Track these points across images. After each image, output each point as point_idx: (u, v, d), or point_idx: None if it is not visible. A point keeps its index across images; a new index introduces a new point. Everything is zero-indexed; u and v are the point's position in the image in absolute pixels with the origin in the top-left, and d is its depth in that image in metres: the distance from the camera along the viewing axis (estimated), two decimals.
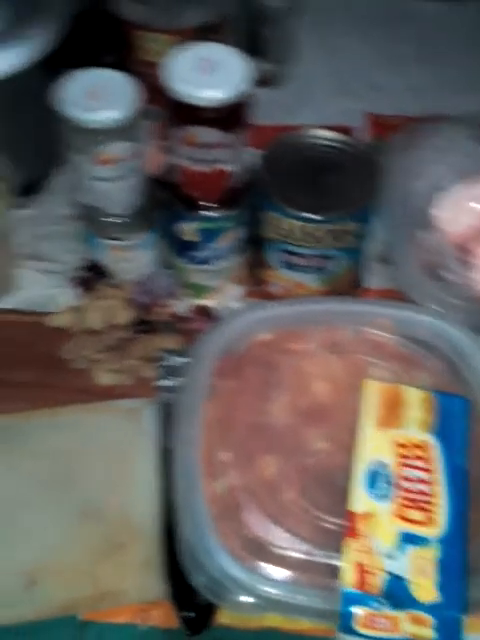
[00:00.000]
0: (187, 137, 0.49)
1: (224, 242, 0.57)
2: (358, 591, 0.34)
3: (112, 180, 0.53)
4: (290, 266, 0.57)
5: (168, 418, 0.52)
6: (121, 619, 0.45)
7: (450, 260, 0.53)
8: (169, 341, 0.57)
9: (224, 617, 0.44)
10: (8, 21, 0.56)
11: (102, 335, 0.58)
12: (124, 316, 0.58)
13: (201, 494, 0.41)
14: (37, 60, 0.57)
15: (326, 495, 0.42)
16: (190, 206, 0.54)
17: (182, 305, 0.60)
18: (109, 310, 0.58)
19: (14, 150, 0.57)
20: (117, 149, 0.51)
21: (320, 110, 0.73)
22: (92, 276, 0.60)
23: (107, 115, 0.49)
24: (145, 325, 0.58)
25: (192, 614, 0.43)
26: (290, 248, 0.56)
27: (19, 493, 0.48)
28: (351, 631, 0.34)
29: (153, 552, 0.46)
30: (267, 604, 0.37)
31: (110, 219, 0.56)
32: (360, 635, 0.34)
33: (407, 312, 0.49)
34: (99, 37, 0.64)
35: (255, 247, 0.59)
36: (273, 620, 0.44)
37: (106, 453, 0.51)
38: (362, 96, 0.75)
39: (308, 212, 0.53)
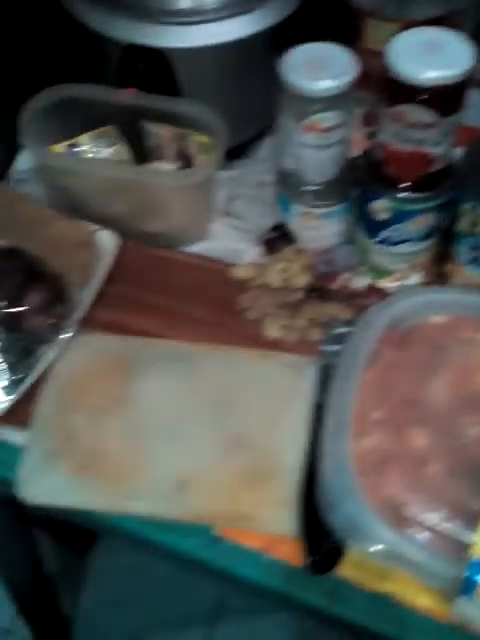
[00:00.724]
0: (398, 115, 0.52)
1: (414, 226, 0.59)
2: None
3: (318, 148, 0.57)
4: (478, 263, 0.58)
5: (327, 379, 0.55)
6: (250, 543, 0.49)
7: None
8: (339, 310, 0.61)
9: (346, 569, 0.47)
10: None
11: (278, 293, 0.62)
12: (301, 280, 0.62)
13: (348, 443, 0.44)
14: (267, 29, 0.62)
15: (470, 478, 0.43)
16: (387, 185, 0.57)
17: (358, 281, 0.63)
18: (288, 272, 0.63)
19: (229, 112, 0.63)
20: (328, 118, 0.55)
21: None
22: (278, 238, 0.65)
23: (325, 85, 0.53)
24: (319, 292, 0.62)
25: (318, 556, 0.46)
26: None
27: (186, 411, 0.54)
28: (471, 598, 0.35)
29: (292, 491, 0.49)
30: (391, 555, 0.39)
31: (308, 187, 0.60)
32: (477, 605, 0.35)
33: None
34: (326, 18, 0.68)
35: (443, 239, 0.61)
36: (391, 586, 0.46)
37: (266, 395, 0.55)
38: None
39: None
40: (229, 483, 0.51)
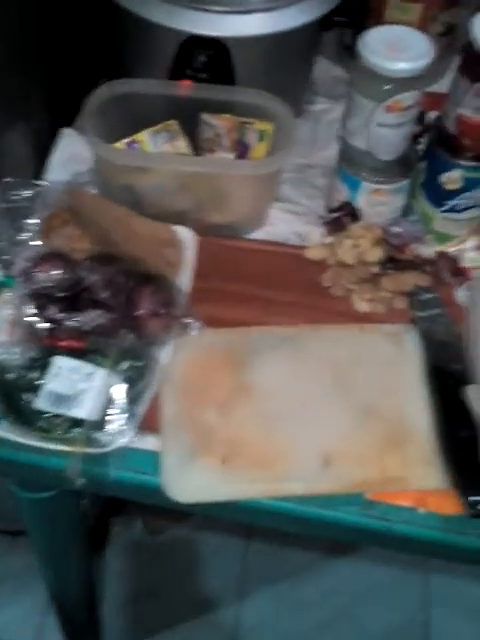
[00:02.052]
0: (478, 87, 0.57)
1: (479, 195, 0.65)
2: None
3: (395, 127, 0.62)
4: None
5: (430, 342, 0.61)
6: (403, 502, 0.54)
7: None
8: (417, 278, 0.66)
9: None
10: None
11: (355, 269, 0.67)
12: (374, 254, 0.67)
13: None
14: (314, 20, 0.66)
15: None
16: (460, 155, 0.62)
17: (424, 249, 0.69)
18: (360, 248, 0.67)
19: (283, 98, 0.66)
20: (408, 98, 0.60)
21: None
22: (343, 217, 0.70)
23: (407, 66, 0.58)
24: (394, 263, 0.67)
25: (476, 499, 0.52)
26: None
27: (309, 391, 0.58)
28: None
29: (432, 447, 0.54)
30: None
31: (379, 163, 0.65)
32: None
33: None
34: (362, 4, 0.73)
35: None
36: None
37: (376, 366, 0.59)
38: None
39: None
40: (371, 451, 0.55)
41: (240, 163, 0.67)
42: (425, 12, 0.73)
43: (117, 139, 0.66)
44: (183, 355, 0.59)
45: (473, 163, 0.62)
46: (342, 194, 0.69)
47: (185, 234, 0.64)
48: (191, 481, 0.54)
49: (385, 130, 0.62)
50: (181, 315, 0.58)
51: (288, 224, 0.72)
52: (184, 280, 0.62)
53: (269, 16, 0.63)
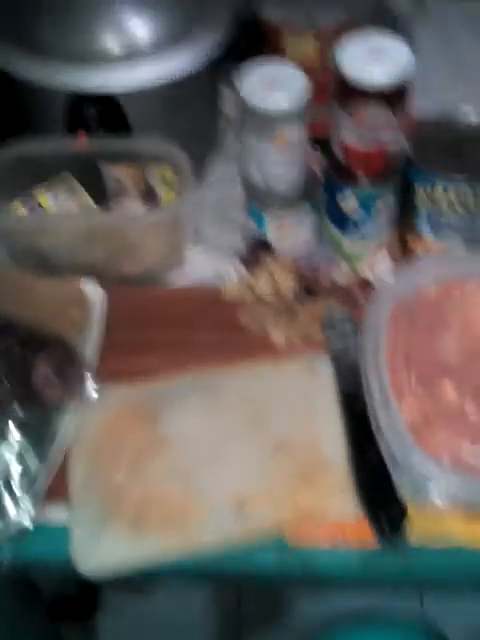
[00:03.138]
0: (356, 117, 0.59)
1: (381, 213, 0.67)
2: None
3: (284, 159, 0.64)
4: (440, 232, 0.67)
5: (341, 369, 0.62)
6: (321, 538, 0.55)
7: None
8: (332, 305, 0.68)
9: (413, 536, 0.54)
10: (181, 26, 0.68)
11: (271, 302, 0.68)
12: (289, 284, 0.69)
13: (396, 408, 0.50)
14: (206, 63, 0.69)
15: None
16: (352, 180, 0.64)
17: (340, 274, 0.70)
18: (275, 280, 0.69)
19: (177, 141, 0.68)
20: (290, 132, 0.62)
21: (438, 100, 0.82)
22: (258, 251, 0.71)
23: (286, 102, 0.60)
24: (308, 291, 0.69)
25: (385, 523, 0.53)
26: (442, 214, 0.65)
27: (222, 434, 0.59)
28: None
29: (346, 477, 0.55)
30: (455, 495, 0.46)
31: (278, 196, 0.67)
32: None
33: None
34: (251, 40, 0.75)
35: (404, 219, 0.69)
36: (457, 535, 0.53)
37: (290, 399, 0.61)
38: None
39: (454, 179, 0.62)
40: (283, 488, 0.56)
41: (138, 215, 0.69)
42: (321, 45, 0.75)
43: (14, 199, 0.68)
44: (90, 416, 0.60)
45: (364, 186, 0.64)
46: (253, 229, 0.71)
47: (92, 290, 0.66)
48: (101, 551, 0.54)
49: (275, 165, 0.64)
50: (81, 377, 0.59)
51: (206, 263, 0.73)
52: (90, 338, 0.63)
53: (155, 65, 0.66)
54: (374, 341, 0.55)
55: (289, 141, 0.62)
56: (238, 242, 0.74)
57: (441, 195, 0.64)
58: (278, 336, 0.66)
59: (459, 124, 0.67)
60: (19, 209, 0.68)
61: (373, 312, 0.57)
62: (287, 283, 0.69)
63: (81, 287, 0.65)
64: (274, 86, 0.60)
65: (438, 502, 0.47)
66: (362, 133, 0.60)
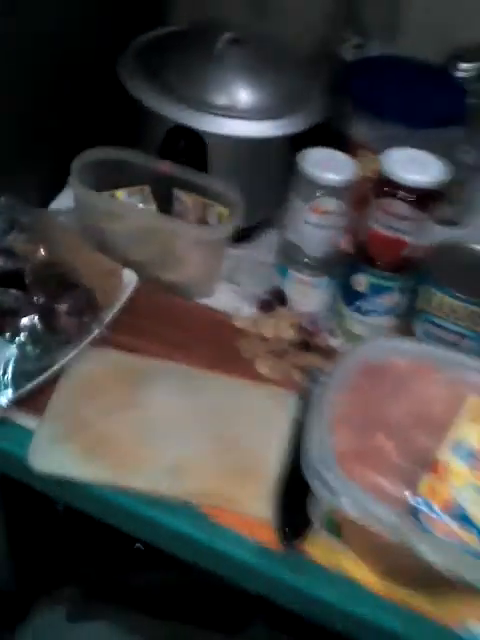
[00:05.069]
0: (385, 207, 0.74)
1: (385, 301, 0.79)
2: (429, 499, 0.52)
3: (317, 226, 0.78)
4: (431, 337, 0.78)
5: (307, 407, 0.73)
6: (230, 523, 0.64)
7: None
8: (317, 360, 0.79)
9: (310, 548, 0.62)
10: (279, 102, 0.86)
11: (269, 342, 0.81)
12: (289, 333, 0.81)
13: (328, 438, 0.60)
14: (285, 136, 0.85)
15: (418, 466, 0.60)
16: (369, 263, 0.78)
17: (334, 341, 0.83)
18: (279, 326, 0.82)
19: (243, 197, 0.84)
20: (328, 203, 0.77)
21: None
22: (273, 300, 0.85)
23: (330, 176, 0.75)
24: (302, 344, 0.81)
25: (289, 530, 0.62)
26: (436, 320, 0.77)
27: (185, 416, 0.70)
28: (418, 521, 0.51)
29: (270, 485, 0.65)
30: (358, 509, 0.54)
31: (306, 259, 0.81)
32: (426, 530, 0.51)
33: None
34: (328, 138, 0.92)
35: (406, 316, 0.82)
36: (345, 563, 0.61)
37: (253, 413, 0.72)
38: None
39: (459, 291, 0.75)
40: (218, 472, 0.66)
41: (188, 225, 0.84)
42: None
43: (100, 191, 0.85)
44: (88, 362, 0.73)
45: (378, 271, 0.77)
46: (275, 281, 0.85)
47: (130, 274, 0.80)
48: (52, 458, 0.65)
49: (309, 227, 0.78)
50: (94, 323, 0.73)
51: (229, 300, 0.87)
52: (113, 307, 0.77)
53: (244, 124, 0.83)
54: (331, 384, 0.66)
55: (326, 211, 0.77)
56: (262, 293, 0.88)
57: (443, 302, 0.76)
58: (263, 368, 0.78)
59: (474, 254, 0.80)
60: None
61: (340, 363, 0.68)
62: (288, 332, 0.81)
63: (121, 268, 0.79)
64: (329, 165, 0.76)
65: (345, 508, 0.56)
66: (387, 221, 0.74)
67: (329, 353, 0.80)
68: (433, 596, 0.61)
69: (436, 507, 0.52)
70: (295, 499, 0.64)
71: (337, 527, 0.63)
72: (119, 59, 0.88)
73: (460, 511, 0.52)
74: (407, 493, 0.55)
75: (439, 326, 0.78)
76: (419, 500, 0.53)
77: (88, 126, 0.91)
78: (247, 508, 0.64)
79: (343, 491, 0.55)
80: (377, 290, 0.78)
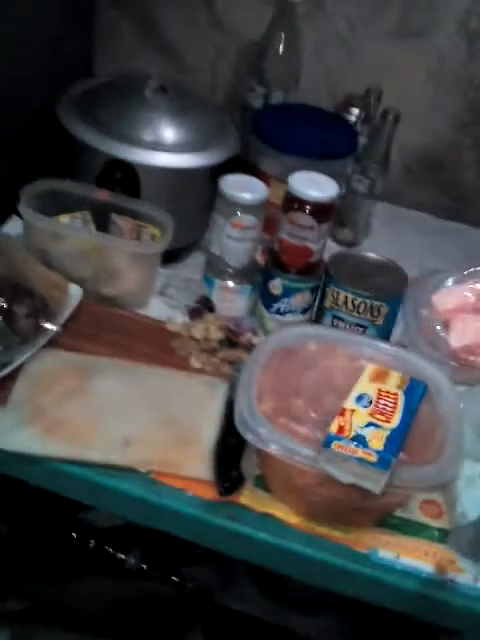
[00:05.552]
0: (293, 219, 0.89)
1: (297, 301, 0.94)
2: (338, 434, 0.66)
3: (239, 240, 0.93)
4: (336, 328, 0.94)
5: (234, 392, 0.86)
6: (175, 484, 0.75)
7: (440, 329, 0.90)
8: (244, 356, 0.92)
9: (244, 499, 0.74)
10: (201, 138, 1.01)
11: (200, 342, 0.94)
12: (217, 335, 0.94)
13: (254, 401, 0.73)
14: (206, 166, 1.00)
15: (325, 417, 0.73)
16: (282, 269, 0.93)
17: (257, 339, 0.96)
18: (208, 330, 0.95)
19: (177, 220, 0.98)
20: (247, 219, 0.92)
21: None
22: (201, 308, 0.98)
23: (247, 195, 0.90)
24: (229, 342, 0.94)
25: (227, 484, 0.74)
26: (340, 315, 0.93)
27: (130, 400, 0.82)
28: (330, 449, 0.65)
29: (208, 451, 0.77)
30: (284, 450, 0.67)
31: (228, 269, 0.95)
32: (335, 454, 0.65)
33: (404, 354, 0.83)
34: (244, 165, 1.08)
35: (317, 313, 0.97)
36: (274, 510, 0.74)
37: (190, 397, 0.84)
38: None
39: (357, 289, 0.90)
40: (163, 443, 0.77)
41: (122, 241, 0.97)
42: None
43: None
44: (43, 359, 0.83)
45: (290, 275, 0.92)
46: (204, 290, 0.98)
47: (74, 287, 0.92)
48: (16, 437, 0.75)
49: (231, 241, 0.93)
50: (48, 324, 0.84)
51: (163, 310, 0.99)
52: (61, 315, 0.88)
53: (171, 157, 0.98)
54: (251, 366, 0.79)
55: (244, 226, 0.92)
56: (191, 303, 1.01)
57: (344, 298, 0.91)
58: (197, 363, 0.91)
59: (366, 259, 0.97)
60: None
61: (258, 348, 0.82)
62: (216, 334, 0.94)
63: (67, 282, 0.91)
64: (246, 187, 0.91)
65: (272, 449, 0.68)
66: (294, 231, 0.89)
67: (253, 348, 0.94)
68: (346, 532, 0.74)
69: (343, 437, 0.66)
70: (230, 461, 0.77)
71: (264, 481, 0.76)
72: (57, 105, 1.02)
73: (361, 439, 0.66)
74: (320, 434, 0.69)
75: (343, 320, 0.93)
76: (331, 434, 0.66)
77: (32, 163, 1.04)
78: (190, 471, 0.76)
79: (271, 439, 0.68)
80: (290, 292, 0.93)
